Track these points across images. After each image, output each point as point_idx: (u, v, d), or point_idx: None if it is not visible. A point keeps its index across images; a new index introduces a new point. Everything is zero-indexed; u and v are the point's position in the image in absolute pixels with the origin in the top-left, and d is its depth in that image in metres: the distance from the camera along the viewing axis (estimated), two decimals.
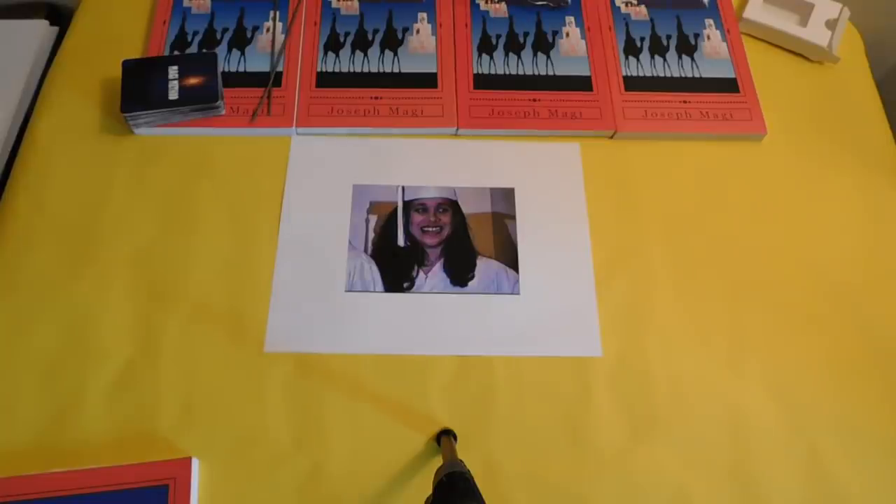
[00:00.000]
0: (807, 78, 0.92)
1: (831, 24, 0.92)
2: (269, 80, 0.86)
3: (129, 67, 0.83)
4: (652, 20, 0.93)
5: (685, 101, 0.87)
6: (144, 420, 0.69)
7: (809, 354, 0.75)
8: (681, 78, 0.89)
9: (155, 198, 0.80)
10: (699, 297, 0.77)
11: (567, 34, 0.91)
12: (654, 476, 0.68)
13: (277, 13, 0.91)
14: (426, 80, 0.87)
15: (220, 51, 0.88)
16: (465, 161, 0.84)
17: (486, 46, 0.90)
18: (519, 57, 0.89)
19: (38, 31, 0.96)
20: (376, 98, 0.86)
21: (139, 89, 0.82)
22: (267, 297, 0.75)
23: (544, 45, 0.90)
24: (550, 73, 0.88)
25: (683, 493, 0.68)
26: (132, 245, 0.77)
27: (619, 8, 0.94)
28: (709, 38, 0.92)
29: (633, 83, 0.88)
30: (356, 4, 0.93)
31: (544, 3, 0.94)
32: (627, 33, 0.92)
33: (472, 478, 0.55)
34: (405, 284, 0.77)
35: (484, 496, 0.53)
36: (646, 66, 0.90)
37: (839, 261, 0.80)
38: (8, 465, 0.66)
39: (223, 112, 0.84)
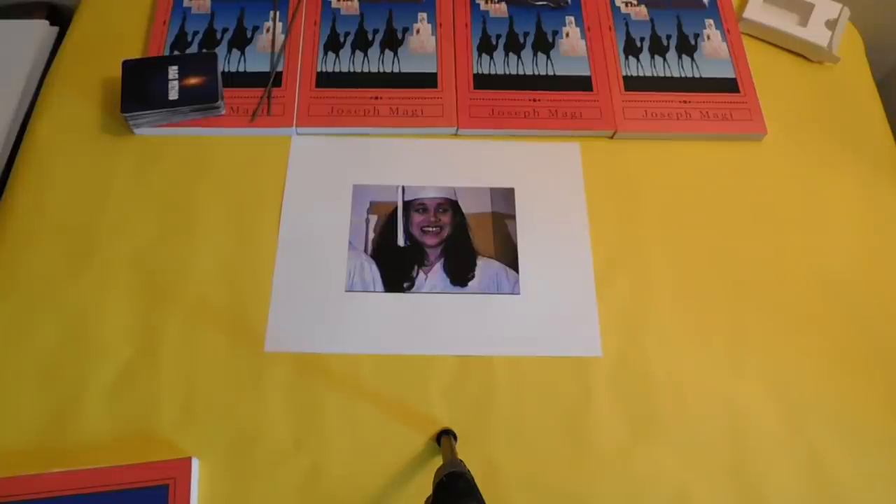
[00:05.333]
0: (807, 78, 0.92)
1: (831, 24, 0.92)
2: (269, 80, 0.86)
3: (129, 67, 0.83)
4: (652, 20, 0.93)
5: (685, 101, 0.87)
6: (144, 420, 0.69)
7: (809, 354, 0.75)
8: (681, 78, 0.89)
9: (155, 198, 0.80)
10: (699, 297, 0.77)
11: (567, 34, 0.91)
12: (654, 476, 0.68)
13: (277, 13, 0.91)
14: (426, 80, 0.87)
15: (220, 51, 0.88)
16: (465, 161, 0.84)
17: (486, 46, 0.90)
18: (519, 57, 0.89)
19: (38, 31, 0.96)
20: (376, 98, 0.86)
21: (139, 89, 0.82)
22: (267, 297, 0.75)
23: (544, 45, 0.90)
24: (550, 73, 0.88)
25: (683, 493, 0.68)
26: (132, 245, 0.77)
27: (619, 8, 0.94)
28: (709, 38, 0.92)
29: (633, 83, 0.88)
30: (356, 4, 0.93)
31: (544, 2, 0.94)
32: (627, 33, 0.92)
33: (472, 478, 0.55)
34: (405, 284, 0.77)
35: (484, 496, 0.53)
36: (646, 66, 0.90)
37: (839, 261, 0.80)
38: (8, 465, 0.66)
39: (223, 112, 0.84)
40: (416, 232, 0.79)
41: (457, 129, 0.85)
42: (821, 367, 0.74)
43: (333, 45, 0.89)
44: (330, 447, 0.68)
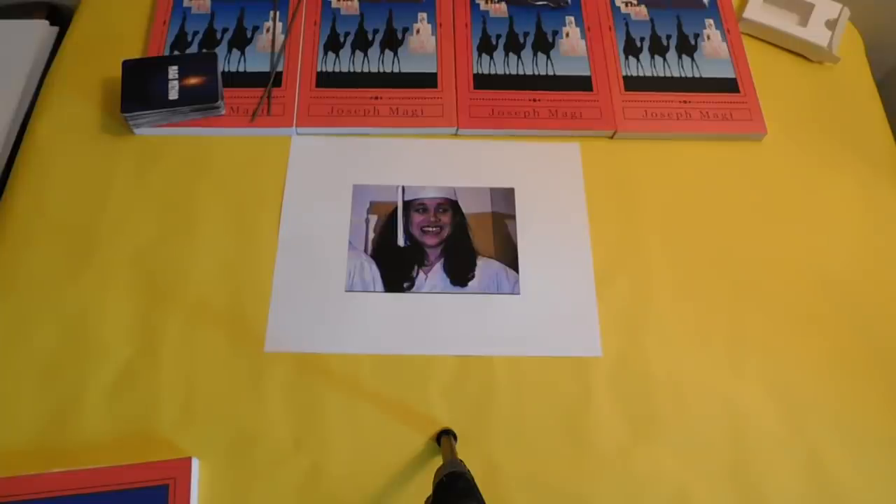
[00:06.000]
0: (807, 78, 0.92)
1: (831, 24, 0.92)
2: (269, 80, 0.86)
3: (129, 67, 0.83)
4: (652, 20, 0.93)
5: (685, 101, 0.87)
6: (144, 420, 0.69)
7: (809, 354, 0.75)
8: (681, 78, 0.89)
9: (155, 198, 0.80)
10: (699, 297, 0.77)
11: (567, 34, 0.91)
12: (654, 476, 0.68)
13: (277, 13, 0.91)
14: (426, 80, 0.87)
15: (220, 51, 0.88)
16: (465, 161, 0.84)
17: (486, 46, 0.90)
18: (519, 57, 0.89)
19: (38, 31, 0.97)
20: (376, 98, 0.86)
21: (139, 89, 0.82)
22: (267, 297, 0.75)
23: (544, 45, 0.90)
24: (550, 73, 0.88)
25: (683, 493, 0.68)
26: (132, 245, 0.77)
27: (619, 8, 0.94)
28: (709, 38, 0.92)
29: (633, 83, 0.88)
30: (356, 4, 0.93)
31: (544, 2, 0.94)
32: (627, 33, 0.92)
33: (472, 478, 0.55)
34: (405, 284, 0.77)
35: (484, 496, 0.53)
36: (646, 66, 0.90)
37: (839, 261, 0.80)
38: (8, 465, 0.66)
39: (223, 112, 0.84)
40: (416, 232, 0.79)
41: (457, 129, 0.85)
42: (821, 367, 0.74)
43: (333, 45, 0.89)
44: (330, 447, 0.68)
